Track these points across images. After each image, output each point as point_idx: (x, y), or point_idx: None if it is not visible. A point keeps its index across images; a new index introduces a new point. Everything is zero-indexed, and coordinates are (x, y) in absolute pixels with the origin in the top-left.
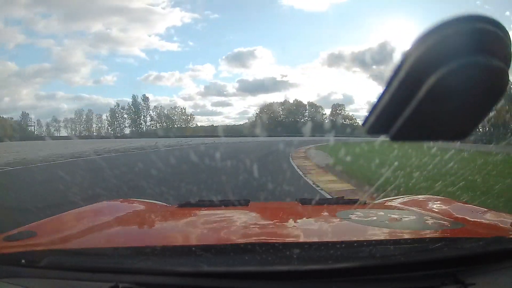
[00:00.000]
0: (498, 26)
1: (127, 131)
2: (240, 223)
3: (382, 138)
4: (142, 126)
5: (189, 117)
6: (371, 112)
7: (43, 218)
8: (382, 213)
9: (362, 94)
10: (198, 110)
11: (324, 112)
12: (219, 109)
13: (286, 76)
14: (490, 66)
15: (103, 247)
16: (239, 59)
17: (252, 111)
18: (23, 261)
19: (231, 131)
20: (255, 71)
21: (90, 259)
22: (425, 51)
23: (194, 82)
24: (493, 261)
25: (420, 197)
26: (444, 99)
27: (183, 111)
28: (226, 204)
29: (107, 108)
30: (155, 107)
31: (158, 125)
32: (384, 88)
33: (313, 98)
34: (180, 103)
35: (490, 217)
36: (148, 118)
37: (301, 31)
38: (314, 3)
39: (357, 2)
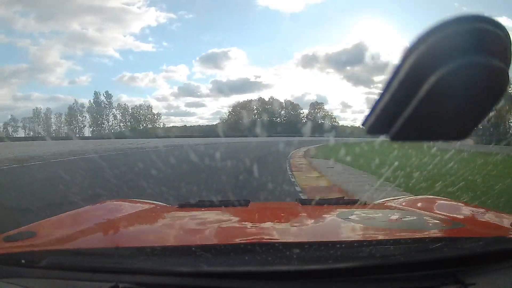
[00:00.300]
0: (498, 26)
1: (87, 131)
2: (240, 223)
3: (382, 138)
4: (105, 126)
5: (155, 116)
6: (371, 112)
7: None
8: (382, 214)
9: (336, 95)
10: (172, 111)
11: (301, 111)
12: (192, 109)
13: (259, 77)
14: (490, 66)
15: (103, 247)
16: (213, 60)
17: (226, 112)
18: (23, 261)
19: (204, 131)
20: (228, 72)
21: (90, 259)
22: (425, 51)
23: (168, 83)
24: (493, 261)
25: (420, 197)
26: (444, 99)
27: (150, 109)
28: (226, 204)
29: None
30: (118, 105)
31: (121, 124)
32: (384, 88)
33: (283, 100)
34: (154, 104)
35: (490, 217)
36: (111, 117)
37: (275, 32)
38: (290, 4)
39: (333, 3)
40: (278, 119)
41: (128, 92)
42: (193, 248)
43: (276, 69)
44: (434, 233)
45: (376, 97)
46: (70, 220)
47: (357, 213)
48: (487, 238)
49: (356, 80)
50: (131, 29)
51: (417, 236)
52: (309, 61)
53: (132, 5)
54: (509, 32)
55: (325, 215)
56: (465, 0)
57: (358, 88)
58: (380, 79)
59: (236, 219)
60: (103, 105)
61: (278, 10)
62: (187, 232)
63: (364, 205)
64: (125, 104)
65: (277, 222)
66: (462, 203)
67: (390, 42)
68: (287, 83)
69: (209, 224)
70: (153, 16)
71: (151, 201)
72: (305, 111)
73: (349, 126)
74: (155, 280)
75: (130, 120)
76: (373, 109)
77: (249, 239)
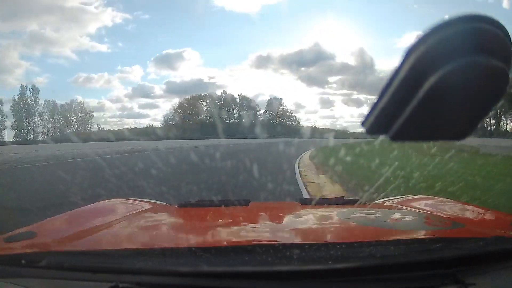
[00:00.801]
0: (498, 26)
1: (10, 134)
2: (240, 223)
3: (382, 138)
4: (30, 127)
5: (87, 115)
6: (371, 112)
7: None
8: (382, 213)
9: (290, 96)
10: (125, 113)
11: (258, 109)
12: (146, 111)
13: (213, 78)
14: (490, 66)
15: (103, 247)
16: (167, 61)
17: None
18: (23, 261)
19: (149, 134)
20: (182, 73)
21: (90, 259)
22: (425, 51)
23: (122, 84)
24: (493, 261)
25: (420, 197)
26: (444, 99)
27: (82, 106)
28: (226, 204)
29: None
30: (46, 102)
31: (49, 126)
32: (384, 87)
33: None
34: (108, 105)
35: (490, 217)
36: (37, 118)
37: (230, 33)
38: (246, 4)
39: (289, 3)
40: (232, 119)
41: (84, 93)
42: (193, 248)
43: (230, 69)
44: (434, 233)
45: (373, 97)
46: (70, 220)
47: (357, 213)
48: (487, 238)
49: (311, 81)
50: (88, 29)
51: (417, 236)
52: (263, 62)
53: (90, 4)
54: (510, 32)
55: (325, 215)
56: (421, 3)
57: (312, 89)
58: (335, 80)
59: (236, 219)
60: (29, 102)
61: (233, 10)
62: (187, 232)
63: (364, 205)
64: (53, 101)
65: (277, 222)
66: (462, 203)
67: (345, 43)
68: (241, 84)
69: (209, 224)
70: (110, 17)
71: (151, 201)
72: (263, 111)
73: (304, 126)
74: (155, 280)
75: (60, 120)
76: (373, 109)
77: (249, 239)
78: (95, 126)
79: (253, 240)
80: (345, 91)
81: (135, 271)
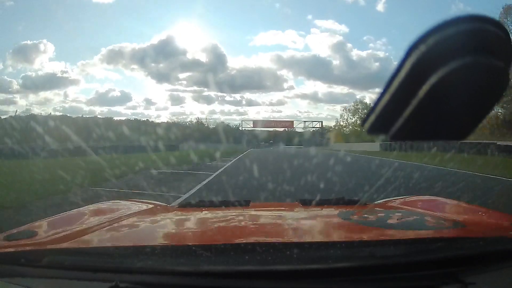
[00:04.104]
0: (498, 26)
1: None
2: (240, 223)
3: (382, 137)
4: None
5: None
6: (371, 112)
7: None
8: (383, 214)
9: (140, 91)
10: None
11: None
12: (4, 107)
13: (66, 72)
14: (490, 66)
15: (103, 247)
16: (24, 53)
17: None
18: (23, 260)
19: None
20: (38, 67)
21: (90, 259)
22: (425, 50)
23: None
24: (493, 261)
25: (420, 197)
26: (445, 99)
27: None
28: (226, 204)
29: None
30: None
31: None
32: (384, 87)
33: (90, 96)
34: None
35: (490, 217)
36: None
37: (86, 25)
38: None
39: None
40: None
41: None
42: (193, 248)
43: (82, 64)
44: (434, 233)
45: (373, 98)
46: (70, 220)
47: (357, 213)
48: (487, 238)
49: (161, 77)
50: None
51: (417, 236)
52: (114, 57)
53: None
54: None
55: (325, 215)
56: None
57: (162, 85)
58: (185, 76)
59: (237, 219)
60: None
61: (91, 0)
62: (187, 232)
63: (365, 205)
64: None
65: (277, 222)
66: (462, 203)
67: (198, 39)
68: (92, 79)
69: (209, 224)
70: None
71: (151, 201)
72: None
73: (155, 122)
74: (155, 279)
75: None
76: (373, 109)
77: (249, 239)
78: None
79: (253, 240)
80: (195, 88)
81: (135, 270)
